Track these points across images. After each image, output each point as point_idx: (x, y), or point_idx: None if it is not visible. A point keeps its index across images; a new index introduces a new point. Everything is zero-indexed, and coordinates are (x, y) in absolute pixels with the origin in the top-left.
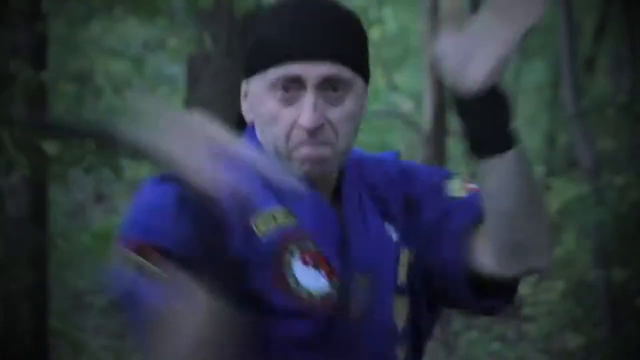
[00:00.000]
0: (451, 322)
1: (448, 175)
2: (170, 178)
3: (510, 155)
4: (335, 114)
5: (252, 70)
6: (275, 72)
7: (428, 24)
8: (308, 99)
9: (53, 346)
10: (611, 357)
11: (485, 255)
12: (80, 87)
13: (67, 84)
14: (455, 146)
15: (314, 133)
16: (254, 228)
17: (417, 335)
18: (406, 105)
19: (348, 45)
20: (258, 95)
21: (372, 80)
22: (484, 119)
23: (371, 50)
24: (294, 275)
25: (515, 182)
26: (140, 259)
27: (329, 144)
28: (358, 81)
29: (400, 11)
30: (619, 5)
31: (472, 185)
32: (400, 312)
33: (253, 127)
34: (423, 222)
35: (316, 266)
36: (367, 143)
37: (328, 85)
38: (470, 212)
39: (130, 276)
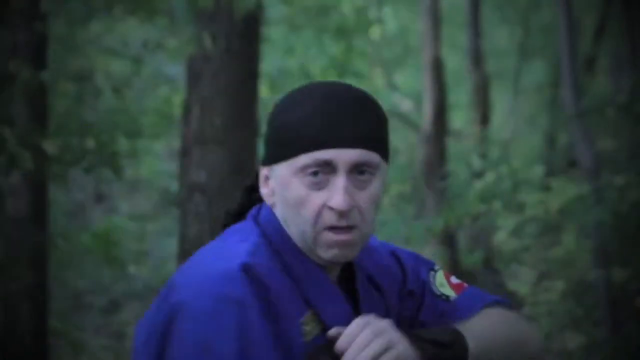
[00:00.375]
0: None
1: (432, 267)
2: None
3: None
4: (363, 197)
5: (277, 156)
6: (305, 159)
7: (428, 24)
8: (340, 182)
9: (53, 346)
10: (611, 357)
11: None
12: (80, 87)
13: (67, 84)
14: (455, 146)
15: (343, 215)
16: (303, 330)
17: None
18: (406, 105)
19: (375, 131)
20: (284, 180)
21: (372, 80)
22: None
23: (371, 50)
24: None
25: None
26: None
27: (356, 227)
28: (383, 165)
29: (400, 11)
30: (619, 5)
31: (456, 281)
32: None
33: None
34: (418, 322)
35: None
36: None
37: (356, 170)
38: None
39: None
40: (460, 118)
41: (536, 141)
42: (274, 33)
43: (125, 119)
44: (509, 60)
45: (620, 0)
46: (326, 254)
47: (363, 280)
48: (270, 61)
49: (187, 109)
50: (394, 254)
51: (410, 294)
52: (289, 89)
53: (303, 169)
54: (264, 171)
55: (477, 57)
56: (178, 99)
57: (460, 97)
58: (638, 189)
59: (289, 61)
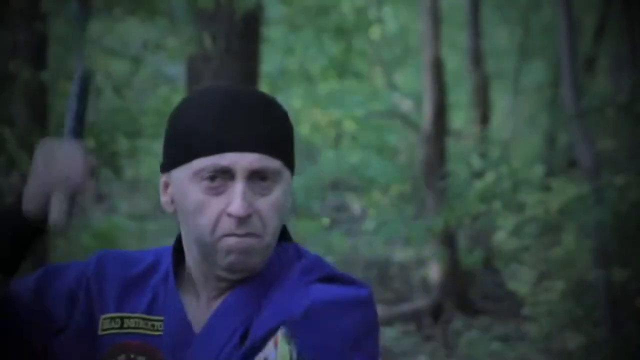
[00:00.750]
0: (451, 322)
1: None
2: None
3: None
4: (264, 204)
5: (175, 161)
6: (202, 162)
7: (428, 23)
8: (238, 188)
9: None
10: (611, 357)
11: None
12: None
13: (67, 83)
14: (455, 146)
15: (242, 222)
16: (100, 324)
17: None
18: (406, 105)
19: (277, 137)
20: (182, 186)
21: (372, 80)
22: None
23: (371, 50)
24: None
25: None
26: None
27: (256, 235)
28: (285, 172)
29: (400, 11)
30: (619, 5)
31: None
32: None
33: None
34: None
35: None
36: (367, 143)
37: (257, 176)
38: None
39: None
40: (460, 118)
41: (536, 141)
42: (274, 33)
43: (125, 119)
44: (509, 60)
45: (620, 0)
46: (224, 260)
47: (250, 294)
48: (270, 61)
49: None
50: (308, 315)
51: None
52: (289, 89)
53: (199, 173)
54: (163, 178)
55: (477, 57)
56: (178, 99)
57: (460, 97)
58: (638, 189)
59: (289, 61)
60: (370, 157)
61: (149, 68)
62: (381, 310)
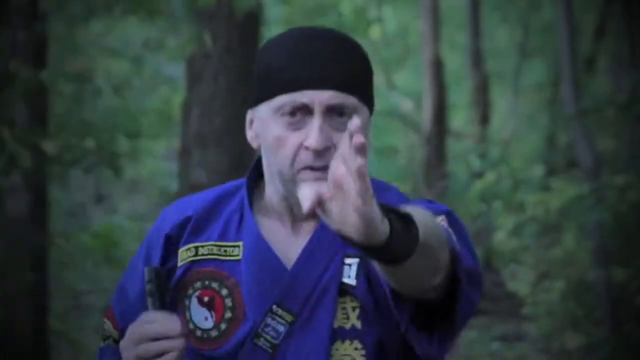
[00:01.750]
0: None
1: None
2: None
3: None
4: (341, 138)
5: (258, 98)
6: (282, 99)
7: (428, 24)
8: (315, 123)
9: (53, 346)
10: (611, 356)
11: None
12: (80, 87)
13: (67, 84)
14: (455, 146)
15: (319, 155)
16: (179, 255)
17: None
18: (406, 105)
19: (353, 74)
20: (265, 121)
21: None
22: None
23: (370, 50)
24: (189, 309)
25: (423, 260)
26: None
27: None
28: (363, 110)
29: (400, 11)
30: (618, 5)
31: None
32: (340, 357)
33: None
34: None
35: (209, 306)
36: (368, 144)
37: (334, 112)
38: None
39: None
40: (460, 118)
41: (536, 141)
42: (273, 33)
43: (125, 119)
44: (508, 59)
45: (621, 0)
46: (302, 192)
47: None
48: None
49: (187, 109)
50: (405, 198)
51: None
52: None
53: (280, 109)
54: (249, 115)
55: (477, 57)
56: (178, 99)
57: (460, 96)
58: (638, 189)
59: None
60: (370, 157)
61: (149, 68)
62: None
